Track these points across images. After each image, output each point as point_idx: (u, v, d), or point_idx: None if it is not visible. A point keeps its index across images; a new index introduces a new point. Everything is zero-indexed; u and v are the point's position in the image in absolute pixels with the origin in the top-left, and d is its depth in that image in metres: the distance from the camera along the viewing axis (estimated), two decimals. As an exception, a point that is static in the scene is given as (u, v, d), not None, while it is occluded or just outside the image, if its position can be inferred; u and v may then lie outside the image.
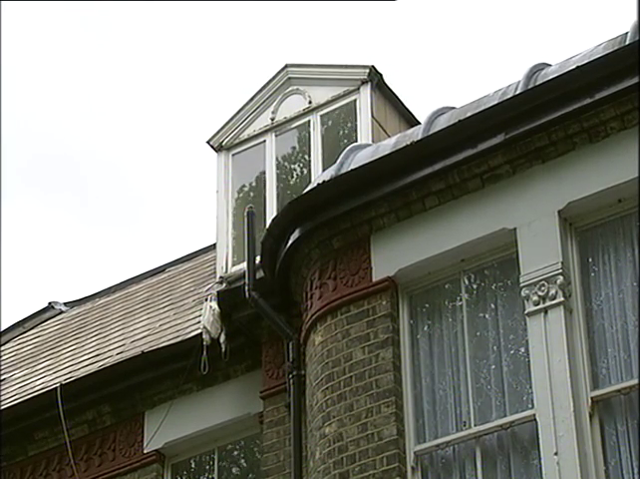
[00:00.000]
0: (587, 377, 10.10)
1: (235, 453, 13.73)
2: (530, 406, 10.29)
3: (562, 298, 10.28)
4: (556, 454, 9.76)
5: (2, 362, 17.80)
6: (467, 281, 11.31)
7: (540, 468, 9.98)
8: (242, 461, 13.68)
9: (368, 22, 42.67)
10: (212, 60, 44.42)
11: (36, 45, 44.66)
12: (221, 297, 13.24)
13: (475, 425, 10.63)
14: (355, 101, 14.47)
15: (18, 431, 14.48)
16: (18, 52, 43.49)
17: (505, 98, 11.28)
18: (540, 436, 10.04)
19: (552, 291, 10.36)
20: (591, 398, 9.99)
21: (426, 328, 11.40)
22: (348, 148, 12.80)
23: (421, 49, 44.61)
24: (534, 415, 10.16)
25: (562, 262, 10.42)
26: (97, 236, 45.79)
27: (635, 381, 9.93)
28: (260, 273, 12.60)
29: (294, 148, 14.89)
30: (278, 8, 40.59)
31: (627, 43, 10.77)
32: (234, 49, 41.65)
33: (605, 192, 10.42)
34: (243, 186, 15.13)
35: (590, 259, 10.66)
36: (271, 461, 12.42)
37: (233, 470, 13.75)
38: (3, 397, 15.62)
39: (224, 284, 14.27)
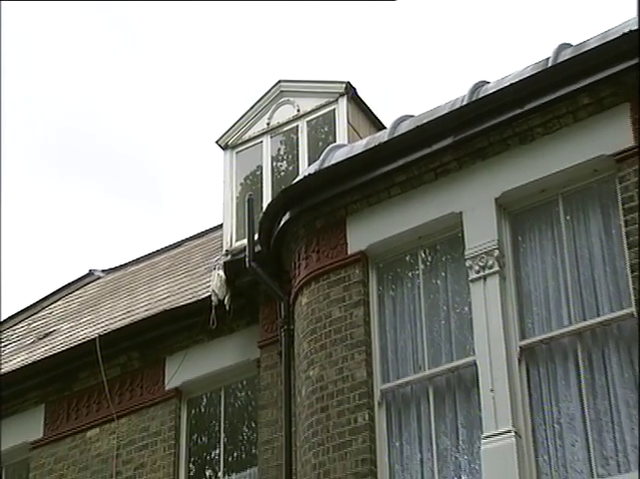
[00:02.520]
0: (516, 330, 10.45)
1: (238, 391, 13.82)
2: (472, 354, 10.59)
3: (498, 268, 10.60)
4: (492, 391, 10.13)
5: (52, 317, 18.04)
6: (423, 255, 11.51)
7: (479, 402, 10.31)
8: (244, 397, 13.76)
9: (348, 41, 42.92)
10: (222, 75, 44.82)
11: (77, 44, 44.68)
12: (227, 267, 13.44)
13: (428, 369, 10.95)
14: (334, 110, 14.58)
15: (65, 372, 14.57)
16: (57, 42, 43.75)
17: (454, 108, 11.47)
18: (480, 377, 10.37)
19: (490, 263, 10.67)
20: (520, 347, 10.35)
21: (390, 292, 11.61)
22: (328, 147, 12.91)
23: (388, 67, 44.80)
24: (475, 361, 10.47)
25: (498, 240, 10.72)
26: (128, 214, 46.18)
27: (554, 333, 10.30)
28: (258, 248, 12.79)
29: (285, 147, 14.96)
30: (273, 30, 41.13)
31: (549, 65, 10.91)
32: (239, 67, 41.94)
33: (532, 183, 10.74)
34: (245, 177, 15.21)
35: (520, 238, 10.94)
36: (266, 397, 12.70)
37: (236, 404, 13.76)
38: (54, 344, 15.68)
39: (229, 256, 14.37)
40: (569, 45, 11.24)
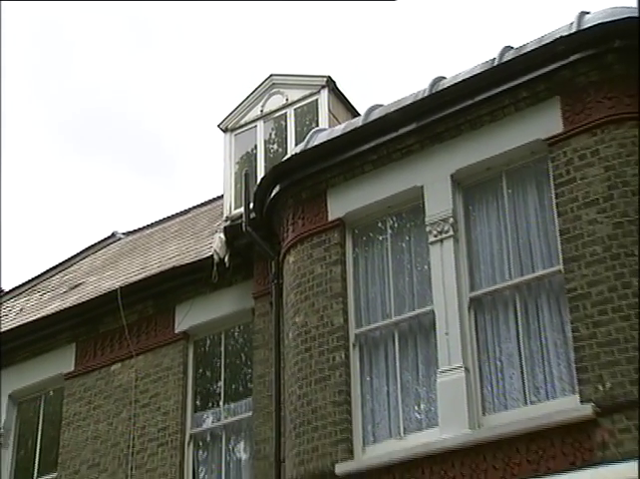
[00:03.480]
0: (467, 284, 10.59)
1: (236, 334, 13.85)
2: (430, 304, 10.72)
3: (452, 233, 10.72)
4: (446, 334, 10.34)
5: (81, 271, 18.11)
6: (390, 221, 11.59)
7: (436, 343, 10.47)
8: (241, 340, 13.82)
9: (331, 38, 42.99)
10: (224, 69, 45.10)
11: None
12: (227, 231, 13.41)
13: (394, 316, 11.08)
14: (317, 99, 14.51)
15: (92, 316, 14.63)
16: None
17: (417, 99, 11.49)
18: (436, 323, 10.54)
19: (446, 228, 10.77)
20: (469, 298, 10.52)
21: (364, 253, 11.67)
22: (312, 131, 12.90)
23: (365, 63, 44.93)
24: (433, 309, 10.63)
25: (452, 209, 10.81)
26: (145, 186, 46.55)
27: (497, 286, 10.47)
28: (253, 215, 12.76)
29: (276, 131, 14.81)
30: (268, 30, 41.11)
31: (495, 65, 10.96)
32: (239, 61, 42.08)
33: (480, 162, 10.84)
34: (242, 156, 15.07)
35: (470, 207, 11.02)
36: (259, 340, 12.80)
37: (235, 345, 13.83)
38: (82, 294, 15.71)
39: (229, 222, 14.26)
40: (511, 47, 11.23)
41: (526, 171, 10.78)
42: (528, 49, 10.83)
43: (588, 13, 10.78)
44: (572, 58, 10.33)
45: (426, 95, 11.42)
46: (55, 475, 14.21)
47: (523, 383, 10.02)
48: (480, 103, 10.86)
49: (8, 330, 15.60)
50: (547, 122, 10.48)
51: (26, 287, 18.84)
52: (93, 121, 45.21)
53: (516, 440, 9.54)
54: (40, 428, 14.97)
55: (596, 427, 9.10)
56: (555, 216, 10.22)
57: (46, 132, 46.92)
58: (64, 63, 44.66)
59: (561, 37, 10.51)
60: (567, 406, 9.44)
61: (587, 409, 9.15)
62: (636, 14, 10.43)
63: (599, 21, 10.37)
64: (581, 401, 9.31)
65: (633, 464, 8.73)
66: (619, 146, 9.99)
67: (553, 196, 10.30)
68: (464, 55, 41.27)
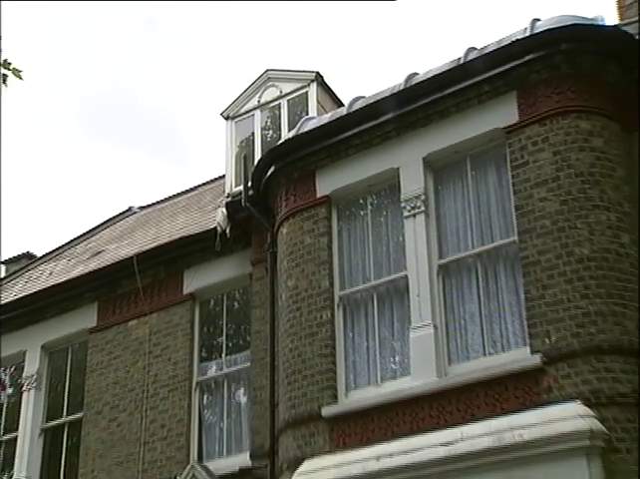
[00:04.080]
0: (436, 253, 10.67)
1: (236, 295, 13.88)
2: (404, 270, 10.79)
3: (423, 208, 10.80)
4: (418, 296, 10.47)
5: (102, 240, 18.00)
6: (371, 198, 11.64)
7: (409, 304, 10.59)
8: (240, 300, 13.84)
9: (322, 35, 42.97)
10: (226, 64, 45.09)
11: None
12: (228, 206, 13.38)
13: (373, 280, 11.17)
14: (307, 92, 14.37)
15: (112, 279, 14.66)
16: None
17: (394, 92, 11.44)
18: (409, 286, 10.64)
19: (418, 204, 10.85)
20: (438, 265, 10.62)
21: (347, 225, 11.69)
22: (303, 119, 12.83)
23: (350, 59, 45.04)
24: (407, 275, 10.73)
25: (424, 188, 10.88)
26: (159, 167, 46.88)
27: (462, 254, 10.60)
28: (251, 192, 12.78)
29: (271, 119, 14.86)
30: (265, 29, 41.11)
31: (461, 63, 10.98)
32: (240, 58, 42.11)
33: (448, 147, 10.89)
34: (241, 141, 15.06)
35: (439, 186, 11.05)
36: (256, 301, 12.88)
37: (235, 305, 13.90)
38: (103, 260, 15.74)
39: (230, 198, 14.12)
40: (475, 48, 11.17)
41: (487, 155, 10.82)
42: (489, 50, 10.87)
43: (539, 20, 10.82)
44: (526, 58, 10.39)
45: (401, 88, 11.42)
46: (81, 415, 14.28)
47: (483, 338, 10.19)
48: (448, 96, 10.92)
49: (40, 291, 15.58)
50: (505, 113, 10.55)
51: (55, 254, 18.69)
52: (114, 109, 45.98)
53: (476, 386, 9.72)
54: (68, 374, 14.98)
55: (543, 374, 9.30)
56: (511, 194, 10.31)
57: (75, 118, 47.49)
58: (89, 59, 44.96)
59: (517, 40, 10.60)
60: (519, 357, 9.64)
61: (536, 359, 9.36)
62: (581, 22, 10.55)
63: (548, 27, 10.43)
64: (531, 352, 9.50)
65: (573, 404, 8.98)
66: (565, 134, 10.07)
67: (510, 177, 10.37)
68: (437, 52, 41.91)
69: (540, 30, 10.52)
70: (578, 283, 9.49)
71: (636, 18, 11.52)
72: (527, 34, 10.60)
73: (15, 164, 44.92)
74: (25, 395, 14.99)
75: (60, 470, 14.41)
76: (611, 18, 11.87)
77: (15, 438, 14.87)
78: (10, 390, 15.58)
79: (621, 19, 12.20)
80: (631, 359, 9.20)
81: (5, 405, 15.48)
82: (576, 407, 8.99)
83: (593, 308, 9.37)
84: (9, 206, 44.57)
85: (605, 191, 9.88)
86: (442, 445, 9.50)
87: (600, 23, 10.76)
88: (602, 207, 9.79)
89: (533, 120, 10.36)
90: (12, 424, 15.12)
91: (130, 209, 20.26)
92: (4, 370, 15.70)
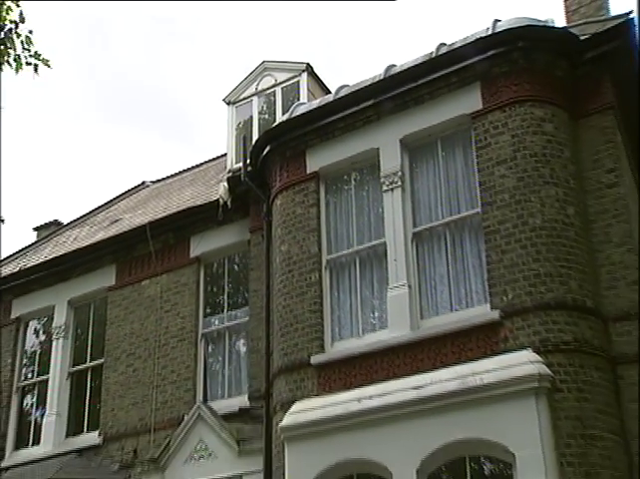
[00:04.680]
0: (410, 222, 10.73)
1: (236, 259, 13.79)
2: (383, 237, 10.87)
3: (400, 183, 10.86)
4: (395, 260, 10.58)
5: (119, 210, 17.89)
6: (354, 174, 11.64)
7: (387, 267, 10.68)
8: (240, 263, 13.75)
9: (313, 29, 42.78)
10: (230, 55, 44.83)
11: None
12: (229, 180, 13.39)
13: (356, 246, 11.22)
14: (299, 80, 14.22)
15: (128, 244, 14.66)
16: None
17: (374, 81, 11.44)
18: (387, 251, 10.72)
19: (395, 180, 10.92)
20: (412, 232, 10.67)
21: (333, 198, 11.69)
22: (295, 104, 12.77)
23: (336, 51, 44.81)
24: (385, 241, 10.81)
25: (401, 165, 10.93)
26: (170, 148, 46.93)
27: (433, 224, 10.61)
28: (249, 168, 12.73)
29: (267, 104, 14.63)
30: (263, 24, 40.92)
31: (432, 57, 11.00)
32: (242, 50, 41.89)
33: (422, 130, 10.94)
34: (240, 123, 14.85)
35: (414, 164, 11.08)
36: (254, 263, 12.91)
37: (235, 267, 13.77)
38: (120, 227, 15.63)
39: (231, 173, 13.99)
40: (445, 44, 11.17)
41: (455, 137, 10.85)
42: (457, 46, 10.90)
43: (500, 21, 10.85)
44: (488, 54, 10.49)
45: (381, 78, 11.44)
46: (102, 361, 14.34)
47: (450, 296, 10.31)
48: (421, 85, 10.96)
49: (66, 253, 15.55)
50: (470, 101, 10.62)
51: (79, 222, 18.77)
52: (130, 96, 46.22)
53: (444, 337, 9.87)
54: (91, 326, 15.01)
55: (501, 327, 9.49)
56: (476, 171, 10.40)
57: (95, 104, 47.60)
58: (107, 52, 45.02)
59: (480, 38, 10.70)
60: (481, 312, 9.81)
61: (495, 314, 9.56)
62: (535, 23, 10.62)
63: (508, 27, 10.55)
64: (491, 308, 9.68)
65: (525, 352, 9.17)
66: (522, 120, 10.20)
67: (474, 156, 10.46)
68: (415, 45, 42.00)
69: (500, 29, 10.60)
70: (531, 249, 9.63)
71: (581, 21, 11.57)
72: (489, 33, 10.67)
73: (44, 142, 45.47)
74: (54, 343, 15.01)
75: (84, 408, 14.43)
76: (560, 21, 11.94)
77: (46, 380, 14.91)
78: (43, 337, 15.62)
79: (568, 22, 12.26)
80: (574, 313, 9.39)
81: (38, 352, 15.50)
82: (528, 355, 9.17)
83: (543, 270, 9.51)
84: (40, 179, 45.26)
85: (554, 169, 10.01)
86: (414, 388, 9.62)
87: (551, 25, 10.80)
88: (552, 183, 9.92)
89: (495, 107, 10.45)
90: (44, 368, 15.16)
91: (143, 183, 20.17)
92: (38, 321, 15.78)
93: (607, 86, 10.61)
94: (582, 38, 10.75)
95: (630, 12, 10.54)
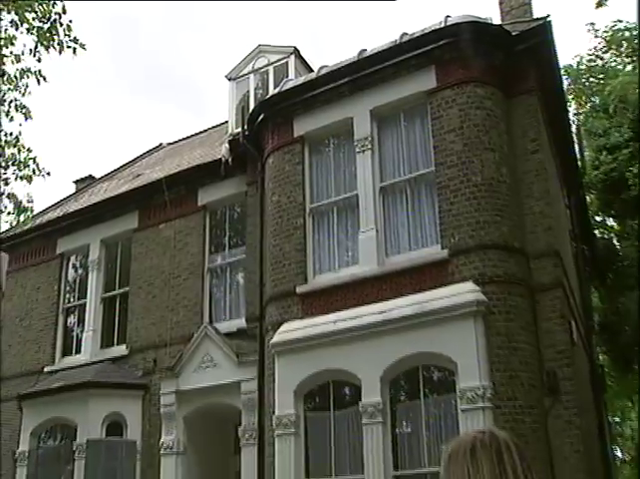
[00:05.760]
0: (378, 178, 10.59)
1: (236, 207, 13.68)
2: (356, 190, 10.83)
3: (370, 147, 10.82)
4: (365, 209, 10.59)
5: (140, 167, 17.70)
6: (333, 139, 11.57)
7: (359, 214, 10.63)
8: (238, 210, 13.68)
9: (301, 15, 42.38)
10: (233, 37, 44.54)
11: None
12: (230, 142, 13.36)
13: (334, 197, 11.20)
14: (287, 61, 14.16)
15: (148, 194, 14.47)
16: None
17: (349, 62, 11.39)
18: (359, 202, 10.71)
19: (366, 143, 10.86)
20: (379, 187, 10.66)
21: (316, 158, 11.62)
22: (284, 80, 12.71)
23: (319, 35, 44.38)
24: (357, 194, 10.79)
25: (370, 132, 10.86)
26: (183, 116, 47.39)
27: (396, 180, 10.52)
28: (247, 133, 12.64)
29: (261, 81, 14.49)
30: (259, 11, 40.44)
31: (397, 43, 10.94)
32: (244, 33, 41.74)
33: (388, 104, 10.91)
34: (240, 96, 14.68)
35: (381, 131, 11.03)
36: (251, 211, 12.93)
37: (235, 214, 13.78)
38: (141, 181, 15.45)
39: (231, 137, 13.80)
40: (407, 34, 11.12)
41: (415, 110, 10.83)
42: (416, 35, 10.91)
43: (450, 17, 10.84)
44: (441, 42, 10.52)
45: (355, 60, 11.41)
46: (128, 288, 14.36)
47: (409, 238, 10.36)
48: (387, 67, 10.95)
49: (100, 201, 15.52)
50: (427, 80, 10.62)
51: (108, 176, 18.63)
52: (152, 72, 46.72)
53: (404, 272, 9.97)
54: (118, 261, 15.01)
55: (449, 263, 9.64)
56: (431, 138, 10.42)
57: (123, 78, 47.96)
58: (133, 38, 45.47)
59: (435, 29, 10.75)
60: (434, 252, 9.91)
61: (444, 253, 9.72)
62: (478, 20, 10.62)
63: (456, 22, 10.60)
64: (441, 248, 9.81)
65: (467, 284, 9.36)
66: (467, 97, 10.28)
67: (430, 125, 10.47)
68: (387, 32, 41.78)
69: (450, 24, 10.63)
70: (473, 201, 9.78)
71: (512, 21, 11.56)
72: (442, 26, 10.70)
73: (83, 111, 45.68)
74: (90, 274, 15.08)
75: (114, 326, 14.54)
76: (496, 20, 11.89)
77: (84, 304, 15.01)
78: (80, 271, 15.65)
79: (502, 21, 12.25)
80: (504, 253, 9.60)
81: (78, 281, 15.53)
82: (469, 285, 9.38)
83: (482, 218, 9.69)
84: (78, 141, 45.62)
85: (492, 137, 10.10)
86: (380, 313, 9.74)
87: (490, 22, 10.84)
88: (490, 148, 10.02)
89: (446, 86, 10.46)
90: (82, 294, 15.22)
91: (160, 144, 20.04)
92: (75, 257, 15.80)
93: (532, 73, 10.66)
94: (513, 34, 10.76)
95: (548, 16, 10.66)
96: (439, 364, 9.44)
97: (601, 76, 22.27)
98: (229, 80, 14.87)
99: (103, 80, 47.48)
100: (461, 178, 9.95)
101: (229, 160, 13.26)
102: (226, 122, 15.74)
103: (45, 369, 14.84)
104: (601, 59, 23.03)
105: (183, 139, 19.61)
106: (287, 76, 13.85)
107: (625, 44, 22.37)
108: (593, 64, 22.88)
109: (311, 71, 13.88)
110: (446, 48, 10.53)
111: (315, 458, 10.07)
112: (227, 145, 13.45)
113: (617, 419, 26.09)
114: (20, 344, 15.53)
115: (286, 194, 11.57)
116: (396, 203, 10.73)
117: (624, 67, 22.31)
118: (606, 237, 21.21)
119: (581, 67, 22.88)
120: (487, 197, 9.78)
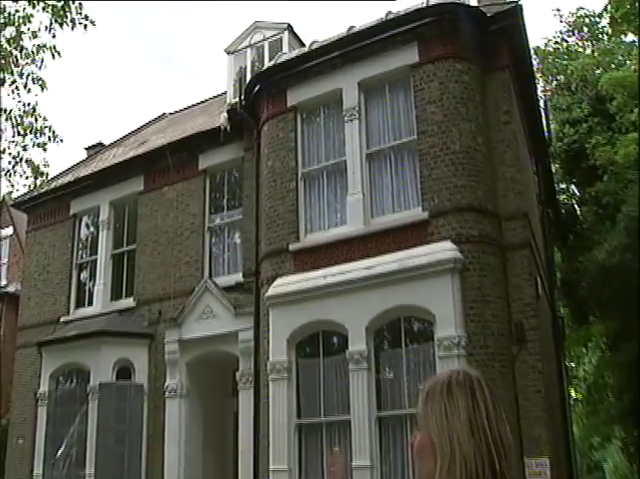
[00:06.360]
0: (365, 145, 10.61)
1: (234, 171, 13.46)
2: (344, 156, 10.70)
3: (357, 116, 10.69)
4: (353, 173, 10.31)
5: (145, 135, 17.50)
6: (323, 109, 11.37)
7: (347, 179, 10.54)
8: (236, 174, 13.45)
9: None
10: (232, 15, 43.76)
11: None
12: (229, 111, 13.22)
13: (324, 162, 11.05)
14: (282, 36, 13.94)
15: (151, 159, 14.27)
16: None
17: (340, 37, 11.27)
18: (347, 167, 10.61)
19: (354, 113, 10.72)
20: (366, 153, 10.53)
21: (307, 126, 11.28)
22: (278, 54, 12.61)
23: (312, 12, 43.68)
24: (345, 160, 10.68)
25: (358, 102, 10.73)
26: (185, 87, 46.96)
27: (381, 146, 10.43)
28: (244, 103, 12.46)
29: (258, 55, 14.21)
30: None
31: (382, 21, 10.77)
32: (243, 12, 41.05)
33: (375, 76, 10.75)
34: (238, 68, 14.43)
35: (368, 101, 10.88)
36: (247, 175, 12.71)
37: (233, 178, 13.54)
38: (147, 147, 15.24)
39: (230, 106, 13.61)
40: (392, 12, 11.03)
41: (399, 82, 10.74)
42: (401, 14, 10.80)
43: None
44: (424, 21, 10.44)
45: (344, 35, 11.35)
46: (135, 246, 14.23)
47: (393, 201, 10.32)
48: (374, 42, 10.82)
49: (109, 166, 15.30)
50: (410, 55, 10.53)
51: (116, 143, 18.39)
52: (160, 46, 46.25)
53: (388, 232, 9.94)
54: (126, 221, 14.82)
55: (429, 224, 9.64)
56: (413, 108, 10.35)
57: (133, 52, 47.33)
58: (146, 16, 44.56)
59: (418, 9, 10.67)
60: (415, 213, 9.87)
61: (425, 215, 9.70)
62: (457, 1, 10.45)
63: (438, 2, 10.50)
64: (422, 210, 9.78)
65: (446, 243, 9.34)
66: (447, 71, 10.20)
67: (413, 97, 10.40)
68: (374, 11, 41.06)
69: (433, 4, 10.58)
70: (452, 167, 9.76)
71: (488, 3, 11.40)
72: (424, 5, 10.64)
73: (94, 82, 45.13)
74: (100, 233, 14.92)
75: (123, 280, 14.45)
76: (474, 2, 11.79)
77: (96, 260, 14.86)
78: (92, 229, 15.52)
79: (479, 3, 12.03)
80: (479, 215, 9.63)
81: (89, 239, 15.43)
82: (447, 245, 9.41)
83: (459, 183, 9.68)
84: (90, 109, 45.19)
85: (469, 109, 10.05)
86: (365, 269, 9.73)
87: (467, 4, 10.78)
88: (467, 119, 9.97)
89: (428, 61, 10.38)
90: (94, 251, 15.11)
91: (164, 114, 19.84)
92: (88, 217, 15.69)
93: (505, 51, 10.61)
94: (488, 15, 10.66)
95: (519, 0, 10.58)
96: (418, 316, 9.50)
97: (565, 57, 22.75)
98: (228, 54, 14.72)
99: (116, 53, 47.11)
100: (440, 146, 9.89)
101: (228, 127, 13.14)
102: (225, 92, 15.57)
103: (61, 319, 14.85)
104: (566, 41, 23.66)
105: (185, 108, 19.41)
106: (281, 50, 13.72)
107: (586, 29, 23.10)
108: (558, 46, 23.46)
109: (303, 46, 13.72)
110: (428, 26, 10.43)
111: (306, 400, 10.13)
112: (226, 114, 13.33)
113: (573, 364, 26.65)
114: (38, 297, 15.56)
115: (280, 159, 11.45)
116: (381, 168, 10.65)
117: (585, 50, 23.13)
118: (568, 202, 21.50)
119: (548, 48, 23.44)
120: (465, 163, 9.75)
